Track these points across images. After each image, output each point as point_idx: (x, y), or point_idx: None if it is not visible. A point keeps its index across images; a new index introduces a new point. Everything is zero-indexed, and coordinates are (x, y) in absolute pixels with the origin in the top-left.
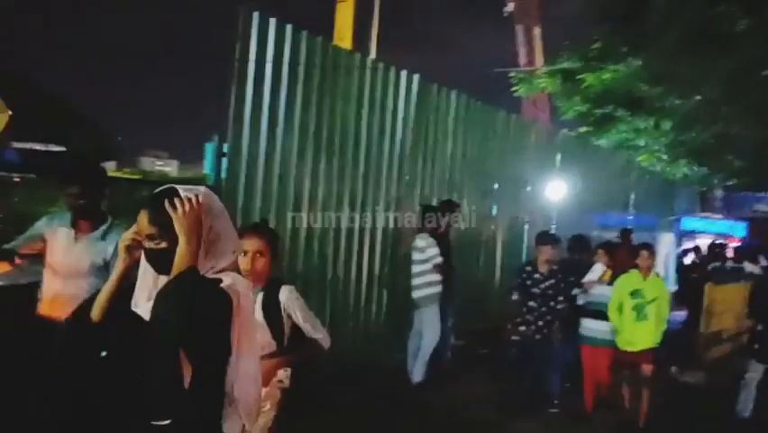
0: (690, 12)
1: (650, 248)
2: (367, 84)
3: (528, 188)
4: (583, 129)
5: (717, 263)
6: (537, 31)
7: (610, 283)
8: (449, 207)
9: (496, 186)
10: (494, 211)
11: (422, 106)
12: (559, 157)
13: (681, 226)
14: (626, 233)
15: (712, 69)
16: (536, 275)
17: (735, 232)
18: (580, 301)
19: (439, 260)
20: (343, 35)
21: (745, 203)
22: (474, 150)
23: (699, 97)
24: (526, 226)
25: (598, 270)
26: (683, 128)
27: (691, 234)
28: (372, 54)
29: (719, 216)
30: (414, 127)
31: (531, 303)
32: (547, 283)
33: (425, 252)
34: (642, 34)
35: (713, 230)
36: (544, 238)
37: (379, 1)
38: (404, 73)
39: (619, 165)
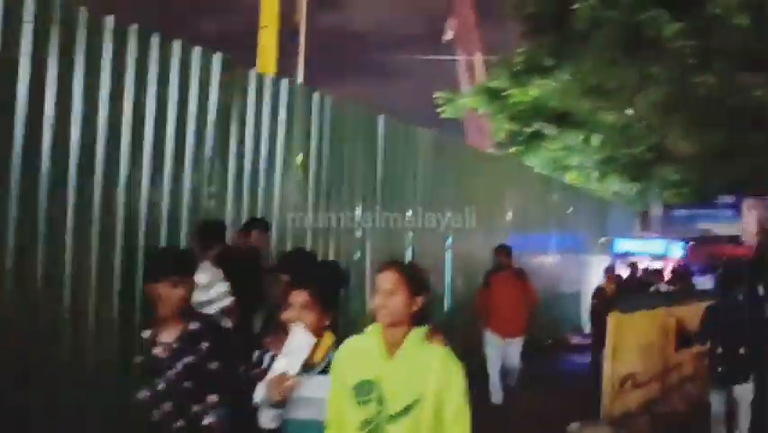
0: (615, 17)
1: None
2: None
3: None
4: (513, 149)
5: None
6: (478, 56)
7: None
8: (255, 224)
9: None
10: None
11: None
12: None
13: (614, 248)
14: (501, 251)
15: (644, 77)
16: None
17: (672, 252)
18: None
19: (227, 302)
20: (267, 62)
21: (688, 222)
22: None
23: (630, 111)
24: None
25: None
26: (614, 143)
27: (625, 256)
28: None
29: (655, 235)
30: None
31: None
32: None
33: (209, 291)
34: (568, 44)
35: (648, 251)
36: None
37: (305, 29)
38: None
39: (541, 184)
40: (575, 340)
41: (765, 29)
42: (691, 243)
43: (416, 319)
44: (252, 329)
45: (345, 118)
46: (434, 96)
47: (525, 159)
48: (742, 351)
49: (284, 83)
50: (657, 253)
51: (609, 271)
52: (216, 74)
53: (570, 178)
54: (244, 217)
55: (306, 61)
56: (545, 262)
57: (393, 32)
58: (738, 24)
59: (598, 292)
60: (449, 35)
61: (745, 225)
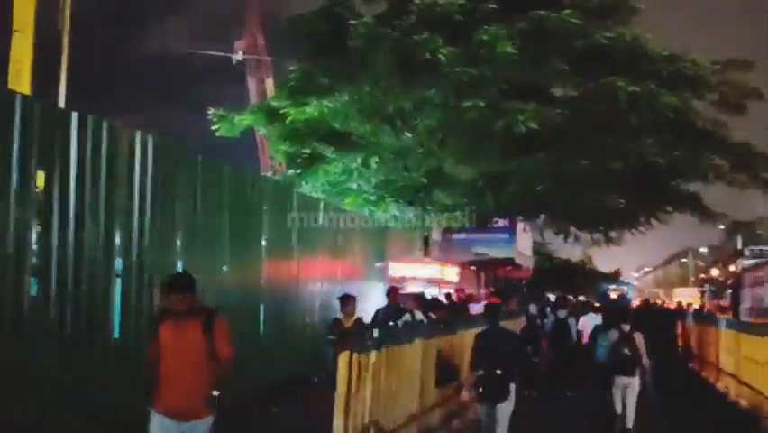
0: (391, 35)
1: None
2: None
3: None
4: (291, 172)
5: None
6: (269, 82)
7: None
8: None
9: None
10: None
11: None
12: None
13: (390, 273)
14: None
15: (420, 102)
16: None
17: (447, 276)
18: None
19: None
20: (21, 71)
21: (465, 245)
22: None
23: (409, 134)
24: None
25: None
26: (392, 166)
27: (401, 282)
28: (61, 101)
29: (431, 260)
30: None
31: None
32: None
33: None
34: (348, 65)
35: (422, 276)
36: None
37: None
38: None
39: (307, 208)
40: None
41: (531, 58)
42: (471, 267)
43: None
44: None
45: None
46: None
47: (302, 182)
48: (499, 372)
49: None
50: (432, 277)
51: (344, 301)
52: None
53: (347, 202)
54: None
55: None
56: (310, 290)
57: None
58: (504, 53)
59: (335, 325)
60: (239, 57)
61: (520, 247)
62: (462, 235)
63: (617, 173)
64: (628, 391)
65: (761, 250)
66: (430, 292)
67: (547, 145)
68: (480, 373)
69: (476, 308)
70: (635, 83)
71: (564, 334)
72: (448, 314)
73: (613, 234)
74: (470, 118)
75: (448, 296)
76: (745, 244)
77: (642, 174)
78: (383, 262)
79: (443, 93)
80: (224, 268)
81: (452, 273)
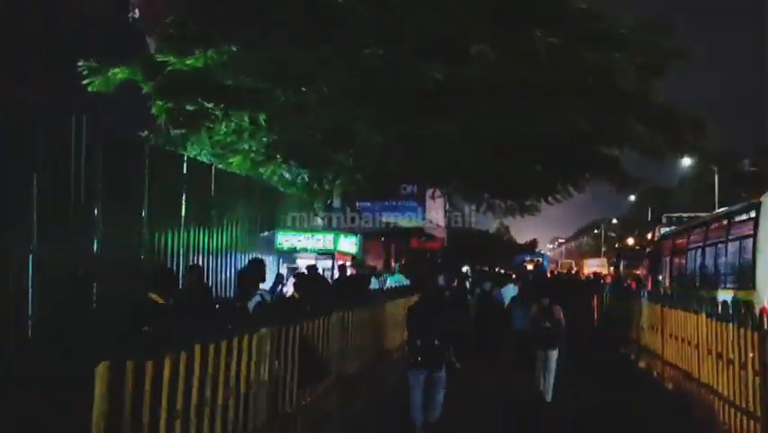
0: None
1: None
2: None
3: None
4: (176, 131)
5: None
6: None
7: None
8: None
9: None
10: None
11: None
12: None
13: (278, 244)
14: None
15: (326, 57)
16: None
17: (345, 248)
18: None
19: None
20: None
21: (370, 214)
22: None
23: (304, 89)
24: None
25: None
26: (285, 124)
27: (291, 253)
28: None
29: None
30: None
31: None
32: None
33: None
34: (240, 13)
35: (315, 248)
36: None
37: None
38: None
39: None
40: None
41: (447, 14)
42: (379, 237)
43: None
44: None
45: None
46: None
47: (189, 143)
48: (436, 342)
49: None
50: (326, 249)
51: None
52: None
53: (233, 164)
54: None
55: None
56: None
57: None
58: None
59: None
60: (135, 14)
61: (431, 216)
62: (367, 203)
63: (534, 137)
64: (548, 363)
65: (679, 217)
66: (323, 265)
67: (461, 106)
68: (419, 343)
69: (389, 282)
70: (555, 37)
71: (491, 305)
72: (335, 290)
73: (528, 202)
74: (371, 67)
75: (342, 268)
76: (653, 215)
77: (560, 138)
78: (270, 231)
79: (351, 50)
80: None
81: (349, 244)
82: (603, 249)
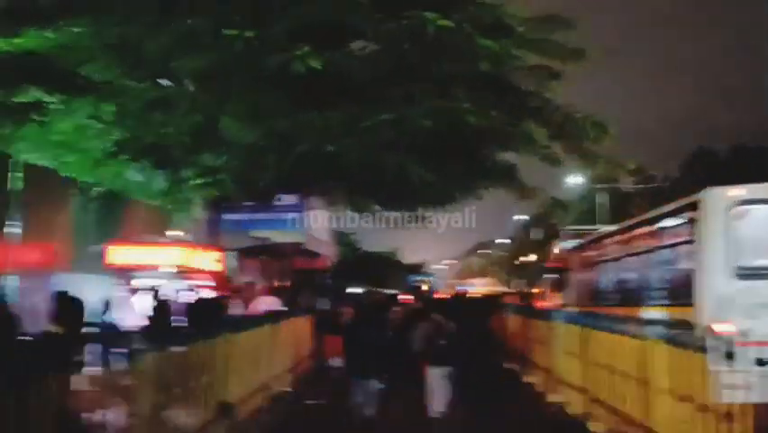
0: None
1: None
2: None
3: None
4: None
5: None
6: None
7: None
8: None
9: None
10: None
11: None
12: None
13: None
14: None
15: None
16: None
17: (201, 265)
18: None
19: None
20: None
21: (240, 227)
22: None
23: (165, 81)
24: None
25: None
26: (145, 120)
27: (127, 272)
28: None
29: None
30: None
31: None
32: None
33: None
34: None
35: (161, 262)
36: None
37: None
38: None
39: None
40: None
41: None
42: (255, 255)
43: None
44: None
45: None
46: None
47: (16, 145)
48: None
49: None
50: (175, 264)
51: None
52: None
53: (68, 165)
54: None
55: None
56: None
57: None
58: None
59: None
60: None
61: (314, 231)
62: (236, 215)
63: (424, 136)
64: (442, 380)
65: (578, 230)
66: (174, 288)
67: (343, 98)
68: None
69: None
70: (446, 19)
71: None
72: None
73: (422, 213)
74: (237, 52)
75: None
76: (543, 234)
77: (454, 138)
78: (100, 245)
79: (211, 24)
80: None
81: (208, 261)
82: (490, 268)
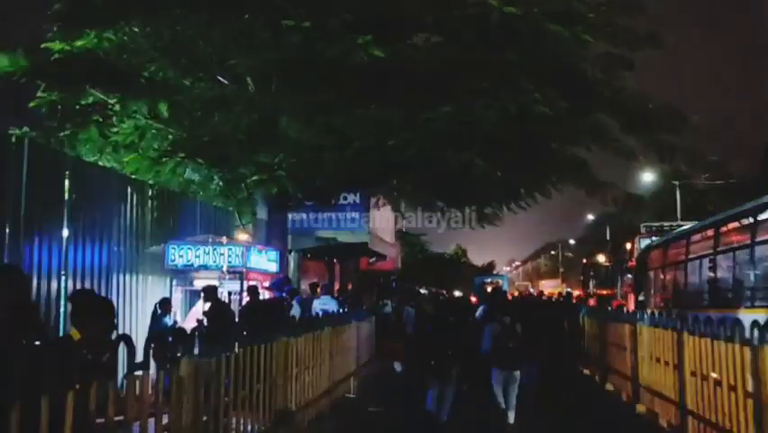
0: None
1: None
2: None
3: None
4: (67, 130)
5: None
6: None
7: None
8: None
9: None
10: None
11: None
12: None
13: (169, 261)
14: None
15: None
16: None
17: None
18: None
19: None
20: None
21: (305, 228)
22: None
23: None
24: None
25: None
26: (195, 119)
27: (184, 272)
28: None
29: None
30: None
31: None
32: None
33: None
34: None
35: (218, 264)
36: None
37: None
38: None
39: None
40: None
41: None
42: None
43: None
44: None
45: None
46: None
47: (81, 146)
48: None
49: None
50: (234, 266)
51: None
52: None
53: (127, 165)
54: None
55: None
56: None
57: None
58: None
59: None
60: None
61: (378, 230)
62: (301, 215)
63: (488, 128)
64: (510, 384)
65: (660, 226)
66: (232, 288)
67: (404, 90)
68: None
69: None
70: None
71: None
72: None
73: (488, 210)
74: (295, 46)
75: (251, 291)
76: (612, 234)
77: (520, 132)
78: (161, 244)
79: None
80: None
81: (265, 261)
82: (561, 269)
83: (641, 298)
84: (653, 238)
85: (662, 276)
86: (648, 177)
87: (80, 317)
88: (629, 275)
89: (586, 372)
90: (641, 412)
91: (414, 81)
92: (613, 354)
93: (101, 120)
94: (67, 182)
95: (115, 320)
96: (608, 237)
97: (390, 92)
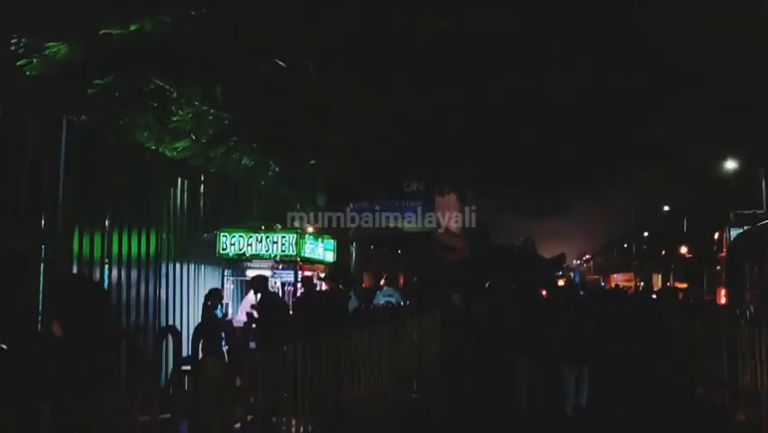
0: None
1: None
2: None
3: None
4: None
5: None
6: None
7: None
8: None
9: None
10: None
11: None
12: None
13: (221, 249)
14: None
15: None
16: None
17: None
18: None
19: None
20: None
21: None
22: None
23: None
24: None
25: None
26: (255, 101)
27: (237, 262)
28: None
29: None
30: None
31: None
32: None
33: None
34: None
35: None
36: None
37: None
38: None
39: None
40: None
41: None
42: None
43: None
44: None
45: None
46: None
47: (140, 132)
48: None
49: None
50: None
51: None
52: None
53: (179, 148)
54: None
55: None
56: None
57: None
58: None
59: None
60: None
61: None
62: (364, 203)
63: (563, 105)
64: (579, 376)
65: (753, 213)
66: (287, 279)
67: (465, 62)
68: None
69: (382, 299)
70: None
71: None
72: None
73: (560, 200)
74: (354, 19)
75: (306, 281)
76: (690, 227)
77: (597, 110)
78: (213, 232)
79: None
80: None
81: (321, 250)
82: (634, 263)
83: (739, 291)
84: (746, 227)
85: (757, 268)
86: (731, 164)
87: (63, 310)
88: (718, 267)
89: (670, 372)
90: (742, 421)
91: (476, 59)
92: (701, 354)
93: (157, 106)
94: (111, 165)
95: (113, 310)
96: (684, 229)
97: (453, 66)
